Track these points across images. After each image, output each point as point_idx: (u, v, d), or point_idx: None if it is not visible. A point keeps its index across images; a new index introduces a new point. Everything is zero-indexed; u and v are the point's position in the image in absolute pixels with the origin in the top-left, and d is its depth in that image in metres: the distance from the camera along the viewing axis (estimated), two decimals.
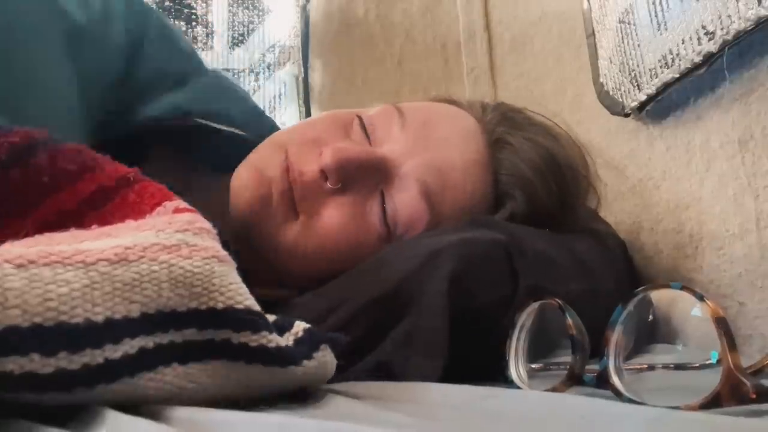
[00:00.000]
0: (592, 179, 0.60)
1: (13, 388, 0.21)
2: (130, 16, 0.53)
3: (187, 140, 0.58)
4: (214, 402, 0.27)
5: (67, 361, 0.22)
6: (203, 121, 0.56)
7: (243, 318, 0.27)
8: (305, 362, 0.29)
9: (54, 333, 0.22)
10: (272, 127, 0.63)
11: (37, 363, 0.22)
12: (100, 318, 0.23)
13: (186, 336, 0.26)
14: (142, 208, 0.32)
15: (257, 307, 0.29)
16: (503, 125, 0.56)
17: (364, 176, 0.51)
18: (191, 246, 0.27)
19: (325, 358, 0.31)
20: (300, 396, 0.33)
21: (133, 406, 0.26)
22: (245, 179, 0.53)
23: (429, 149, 0.52)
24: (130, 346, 0.24)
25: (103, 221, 0.31)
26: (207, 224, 0.30)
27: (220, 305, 0.27)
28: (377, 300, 0.44)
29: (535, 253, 0.48)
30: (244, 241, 0.50)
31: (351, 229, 0.51)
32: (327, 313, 0.45)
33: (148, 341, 0.25)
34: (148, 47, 0.54)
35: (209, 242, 0.28)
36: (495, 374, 0.41)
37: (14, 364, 0.21)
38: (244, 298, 0.28)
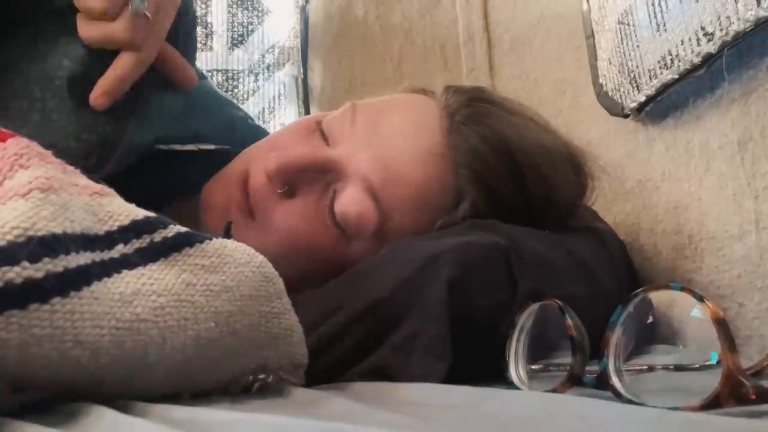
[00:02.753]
0: (579, 174, 0.57)
1: (21, 299, 0.23)
2: None
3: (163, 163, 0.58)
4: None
5: (52, 264, 0.24)
6: (165, 147, 0.57)
7: (149, 222, 0.31)
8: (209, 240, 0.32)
9: (29, 244, 0.24)
10: (253, 137, 0.62)
11: (30, 269, 0.23)
12: (58, 230, 0.26)
13: (119, 251, 0.29)
14: None
15: (152, 213, 0.31)
16: (463, 113, 0.54)
17: (310, 178, 0.52)
18: (75, 185, 0.30)
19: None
20: (300, 397, 0.33)
21: (131, 406, 0.26)
22: (210, 195, 0.54)
23: (374, 145, 0.52)
24: (86, 257, 0.26)
25: None
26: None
27: (125, 222, 0.30)
28: (374, 305, 0.44)
29: (534, 256, 0.48)
30: None
31: (302, 230, 0.52)
32: (323, 318, 0.45)
33: (94, 256, 0.27)
34: None
35: (84, 180, 0.31)
36: (495, 375, 0.41)
37: (12, 273, 0.23)
38: (138, 211, 0.31)
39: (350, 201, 0.51)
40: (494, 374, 0.41)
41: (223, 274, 0.31)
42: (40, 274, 0.24)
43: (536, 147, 0.54)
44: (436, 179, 0.52)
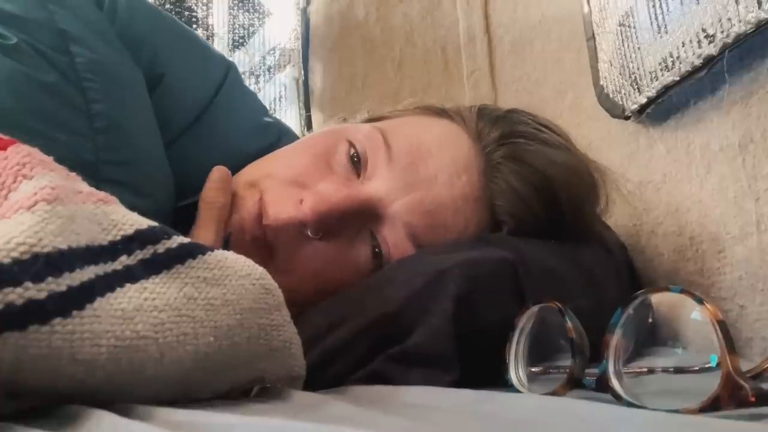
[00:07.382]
0: (601, 194, 0.57)
1: (21, 320, 0.22)
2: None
3: None
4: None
5: (55, 284, 0.24)
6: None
7: (153, 233, 0.30)
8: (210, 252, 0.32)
9: (34, 263, 0.24)
10: (278, 139, 0.61)
11: (33, 290, 0.23)
12: (64, 246, 0.25)
13: (123, 263, 0.28)
14: None
15: (155, 223, 0.31)
16: (500, 153, 0.53)
17: (348, 222, 0.50)
18: (79, 192, 0.29)
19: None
20: (299, 400, 0.33)
21: (131, 409, 0.26)
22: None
23: (416, 188, 0.50)
24: (90, 271, 0.26)
25: None
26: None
27: (129, 231, 0.29)
28: (380, 320, 0.43)
29: (542, 271, 0.47)
30: None
31: (334, 272, 0.50)
32: (327, 331, 0.44)
33: (98, 270, 0.27)
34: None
35: (87, 187, 0.31)
36: (495, 378, 0.41)
37: (14, 294, 0.22)
38: (142, 220, 0.31)
39: (396, 249, 0.50)
40: (494, 377, 0.41)
41: (224, 287, 0.30)
42: (42, 295, 0.23)
43: (569, 177, 0.53)
44: (474, 222, 0.52)
